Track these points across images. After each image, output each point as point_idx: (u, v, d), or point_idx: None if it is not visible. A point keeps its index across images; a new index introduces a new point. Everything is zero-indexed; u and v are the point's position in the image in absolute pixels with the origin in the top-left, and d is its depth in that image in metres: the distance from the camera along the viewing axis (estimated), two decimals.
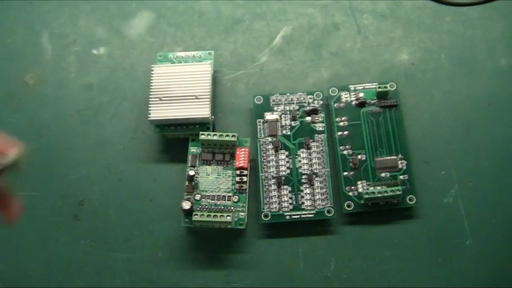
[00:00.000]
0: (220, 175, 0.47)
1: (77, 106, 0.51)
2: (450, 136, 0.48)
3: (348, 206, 0.46)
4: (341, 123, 0.48)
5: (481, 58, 0.51)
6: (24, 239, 0.47)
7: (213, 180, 0.46)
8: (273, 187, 0.46)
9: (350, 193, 0.46)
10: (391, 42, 0.52)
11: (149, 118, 0.47)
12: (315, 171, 0.46)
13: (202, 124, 0.47)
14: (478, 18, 0.52)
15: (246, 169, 0.46)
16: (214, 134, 0.46)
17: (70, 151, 0.49)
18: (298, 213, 0.45)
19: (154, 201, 0.48)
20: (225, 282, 0.45)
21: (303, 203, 0.46)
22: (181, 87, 0.47)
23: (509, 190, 0.46)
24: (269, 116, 0.48)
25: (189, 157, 0.47)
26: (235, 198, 0.46)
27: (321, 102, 0.49)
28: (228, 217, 0.44)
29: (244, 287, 0.45)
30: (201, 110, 0.46)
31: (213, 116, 0.48)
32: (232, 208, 0.46)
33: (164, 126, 0.48)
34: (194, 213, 0.44)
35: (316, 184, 0.46)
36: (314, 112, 0.48)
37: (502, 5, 0.52)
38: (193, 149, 0.47)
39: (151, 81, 0.48)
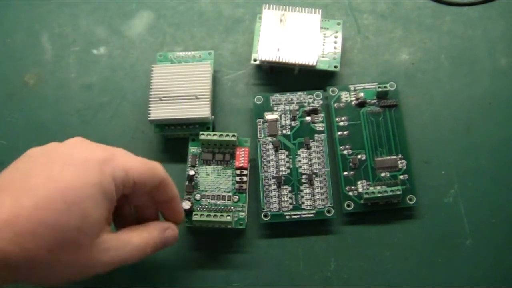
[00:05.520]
0: (220, 175, 0.47)
1: (77, 106, 0.51)
2: (450, 136, 0.48)
3: (348, 206, 0.46)
4: (341, 123, 0.48)
5: (481, 58, 0.51)
6: None
7: (213, 180, 0.46)
8: (273, 187, 0.46)
9: (350, 193, 0.46)
10: (391, 42, 0.52)
11: (149, 118, 0.47)
12: (315, 171, 0.46)
13: (202, 124, 0.47)
14: (478, 18, 0.52)
15: (246, 169, 0.46)
16: (214, 134, 0.46)
17: None
18: (298, 213, 0.45)
19: None
20: (225, 282, 0.45)
21: (303, 203, 0.46)
22: (181, 87, 0.47)
23: (509, 190, 0.46)
24: (269, 116, 0.48)
25: (189, 157, 0.47)
26: (235, 198, 0.46)
27: (321, 102, 0.49)
28: (228, 217, 0.44)
29: (244, 287, 0.45)
30: (201, 110, 0.46)
31: (213, 116, 0.48)
32: (232, 208, 0.46)
33: (164, 126, 0.48)
34: (194, 213, 0.44)
35: (316, 184, 0.46)
36: (314, 112, 0.48)
37: (502, 5, 0.52)
38: (193, 149, 0.47)
39: (151, 81, 0.48)
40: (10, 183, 0.33)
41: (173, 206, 0.41)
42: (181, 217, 0.42)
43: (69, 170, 0.33)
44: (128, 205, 0.41)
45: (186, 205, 0.44)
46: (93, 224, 0.33)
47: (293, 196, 0.46)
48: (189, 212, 0.44)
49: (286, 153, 0.47)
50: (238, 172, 0.46)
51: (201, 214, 0.44)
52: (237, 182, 0.46)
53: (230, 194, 0.46)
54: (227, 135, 0.46)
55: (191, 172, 0.46)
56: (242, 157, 0.46)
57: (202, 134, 0.46)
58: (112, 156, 0.36)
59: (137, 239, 0.38)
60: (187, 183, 0.46)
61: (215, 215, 0.44)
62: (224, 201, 0.46)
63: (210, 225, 0.45)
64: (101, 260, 0.35)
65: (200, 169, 0.47)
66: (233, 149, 0.47)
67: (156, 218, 0.42)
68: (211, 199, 0.46)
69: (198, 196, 0.46)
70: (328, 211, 0.45)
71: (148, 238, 0.38)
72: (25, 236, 0.31)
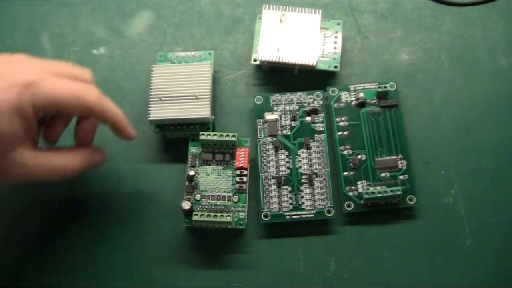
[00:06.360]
0: (220, 175, 0.47)
1: None
2: (450, 136, 0.48)
3: (348, 206, 0.46)
4: (341, 123, 0.48)
5: (481, 58, 0.51)
6: (24, 239, 0.47)
7: (213, 180, 0.46)
8: (273, 187, 0.46)
9: (350, 193, 0.46)
10: (391, 42, 0.52)
11: (149, 118, 0.47)
12: (315, 171, 0.46)
13: (202, 124, 0.47)
14: (478, 18, 0.52)
15: (246, 169, 0.46)
16: (214, 134, 0.46)
17: None
18: (298, 213, 0.45)
19: (154, 201, 0.48)
20: (225, 282, 0.45)
21: (303, 203, 0.46)
22: (181, 87, 0.47)
23: (509, 190, 0.46)
24: (269, 116, 0.48)
25: (189, 157, 0.47)
26: (235, 198, 0.46)
27: (321, 102, 0.49)
28: (228, 217, 0.44)
29: (244, 287, 0.45)
30: (201, 110, 0.46)
31: (213, 116, 0.48)
32: (232, 208, 0.46)
33: (164, 126, 0.48)
34: (194, 213, 0.44)
35: (316, 184, 0.46)
36: (314, 112, 0.48)
37: (502, 5, 0.52)
38: (193, 149, 0.47)
39: (151, 81, 0.48)
40: None
41: (117, 125, 0.42)
42: (129, 135, 0.43)
43: None
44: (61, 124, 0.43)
45: (186, 205, 0.44)
46: (4, 139, 0.36)
47: (293, 196, 0.46)
48: (189, 212, 0.44)
49: (286, 153, 0.47)
50: (238, 172, 0.46)
51: (201, 214, 0.44)
52: (237, 182, 0.46)
53: (230, 194, 0.46)
54: (227, 135, 0.46)
55: (191, 172, 0.46)
56: (242, 157, 0.46)
57: (202, 134, 0.46)
58: (37, 80, 0.37)
59: (59, 161, 0.40)
60: (187, 183, 0.46)
61: (215, 215, 0.44)
62: (224, 201, 0.46)
63: (210, 225, 0.45)
64: (12, 172, 0.38)
65: (200, 169, 0.47)
66: (233, 149, 0.47)
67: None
68: (211, 199, 0.46)
69: (198, 196, 0.46)
70: (328, 211, 0.45)
71: (72, 162, 0.41)
72: None
